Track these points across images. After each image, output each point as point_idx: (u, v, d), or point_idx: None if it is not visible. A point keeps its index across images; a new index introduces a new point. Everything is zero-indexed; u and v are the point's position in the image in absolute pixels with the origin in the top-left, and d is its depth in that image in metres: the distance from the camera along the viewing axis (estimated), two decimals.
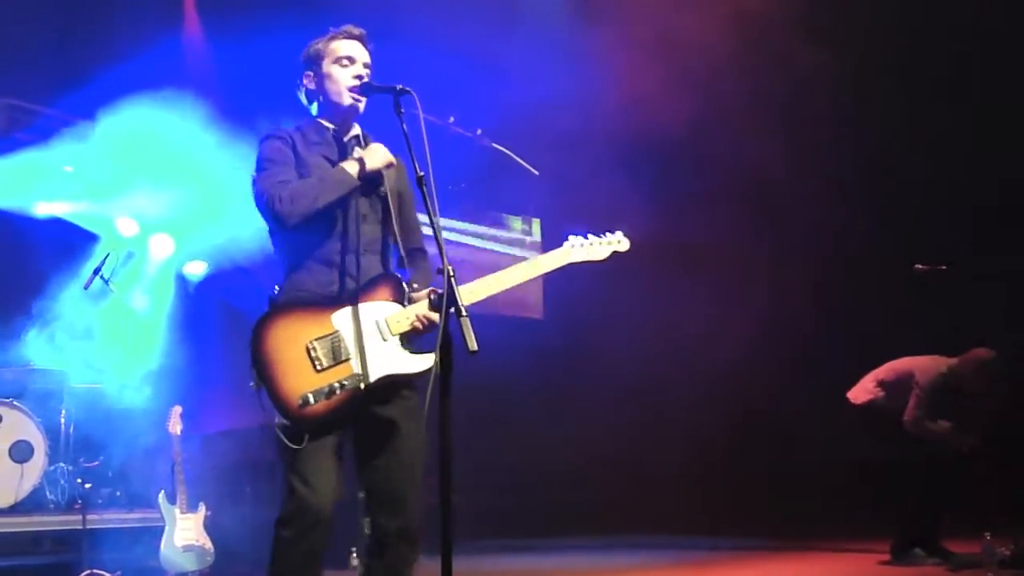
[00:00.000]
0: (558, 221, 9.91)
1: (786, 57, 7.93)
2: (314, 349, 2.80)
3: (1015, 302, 7.90)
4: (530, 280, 3.03)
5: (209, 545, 5.53)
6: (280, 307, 2.89)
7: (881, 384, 6.07)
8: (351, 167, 2.92)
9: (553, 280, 9.94)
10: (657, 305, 9.12)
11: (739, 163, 8.70)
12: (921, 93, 8.29)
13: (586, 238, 3.17)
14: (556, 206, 9.42)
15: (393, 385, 2.89)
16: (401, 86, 2.84)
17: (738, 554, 7.03)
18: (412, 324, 2.88)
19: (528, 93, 7.92)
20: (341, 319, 2.85)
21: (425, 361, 2.87)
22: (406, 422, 2.92)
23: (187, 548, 5.45)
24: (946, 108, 8.22)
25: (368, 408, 2.87)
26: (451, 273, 2.61)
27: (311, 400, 2.74)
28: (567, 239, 3.16)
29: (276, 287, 2.95)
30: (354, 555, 5.99)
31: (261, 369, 2.77)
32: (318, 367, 2.78)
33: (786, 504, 8.54)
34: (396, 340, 2.87)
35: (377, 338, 2.85)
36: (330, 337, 2.82)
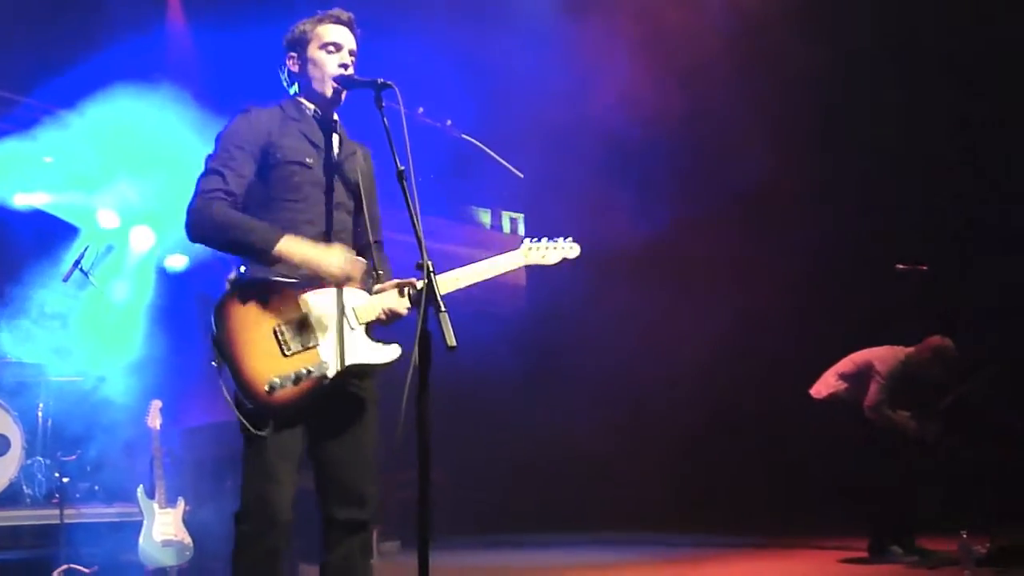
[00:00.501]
0: (538, 216, 9.90)
1: (774, 56, 7.96)
2: (282, 333, 2.73)
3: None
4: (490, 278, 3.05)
5: (188, 540, 5.49)
6: (247, 286, 2.78)
7: (842, 377, 6.16)
8: (291, 247, 2.74)
9: (536, 274, 10.04)
10: (639, 302, 9.15)
11: (727, 164, 8.73)
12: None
13: (539, 241, 3.20)
14: (536, 201, 9.43)
15: (356, 375, 2.85)
16: (383, 80, 2.79)
17: (721, 551, 7.06)
18: (378, 315, 2.84)
19: (513, 87, 7.94)
20: (311, 302, 2.79)
21: (390, 352, 2.85)
22: (365, 414, 2.88)
23: (166, 543, 5.41)
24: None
25: (327, 398, 2.80)
26: (431, 268, 2.60)
27: (278, 385, 2.67)
28: (523, 241, 3.18)
29: (240, 267, 2.86)
30: None
31: (224, 348, 2.69)
32: (286, 351, 2.72)
33: (769, 502, 8.59)
34: (362, 329, 2.84)
35: (345, 325, 2.81)
36: (298, 321, 2.75)
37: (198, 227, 2.78)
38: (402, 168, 2.67)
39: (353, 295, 2.85)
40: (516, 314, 9.90)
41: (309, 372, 2.71)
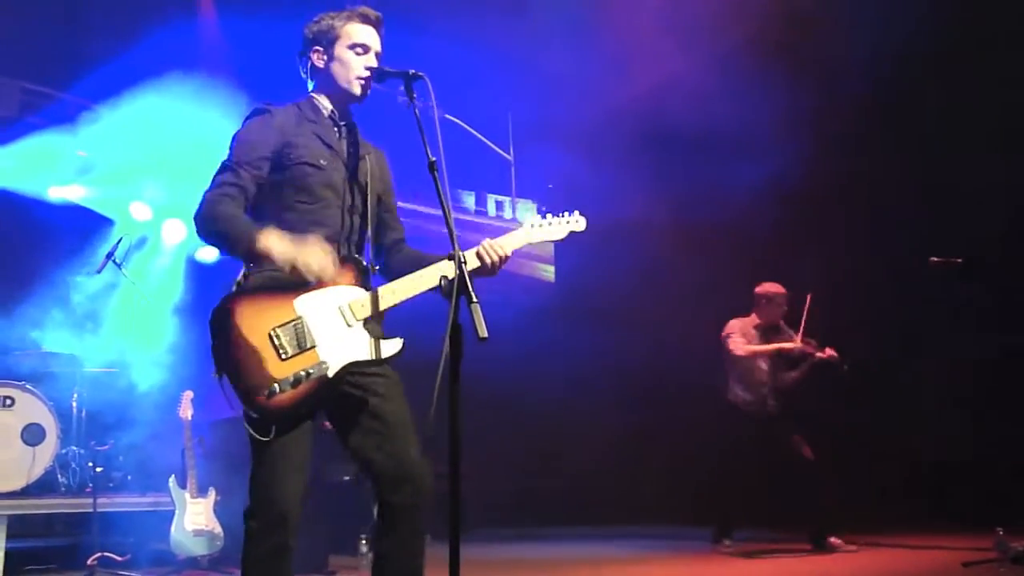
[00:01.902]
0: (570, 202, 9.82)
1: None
2: (277, 337, 2.70)
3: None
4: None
5: (219, 530, 5.55)
6: (241, 293, 2.78)
7: (734, 378, 6.71)
8: (270, 244, 2.67)
9: (565, 270, 10.02)
10: (669, 294, 9.10)
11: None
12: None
13: (544, 218, 3.12)
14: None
15: (365, 370, 2.81)
16: (414, 71, 2.79)
17: (743, 546, 6.99)
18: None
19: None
20: (303, 305, 2.76)
21: (392, 346, 2.81)
22: (388, 392, 2.84)
23: (197, 532, 5.47)
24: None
25: (344, 389, 2.79)
26: (463, 259, 2.58)
27: (277, 390, 2.65)
28: (526, 219, 3.12)
29: (244, 271, 2.84)
30: (364, 541, 6.01)
31: (222, 357, 2.68)
32: (283, 356, 2.69)
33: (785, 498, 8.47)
34: (361, 325, 2.80)
35: (341, 323, 2.78)
36: (293, 324, 2.72)
37: (198, 220, 2.79)
38: (433, 159, 2.65)
39: (348, 292, 2.82)
40: (543, 307, 9.88)
41: (308, 374, 2.69)
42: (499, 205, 10.00)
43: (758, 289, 6.76)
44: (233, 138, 2.90)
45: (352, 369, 2.77)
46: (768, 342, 6.66)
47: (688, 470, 8.62)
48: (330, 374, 2.72)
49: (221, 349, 2.68)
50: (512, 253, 2.95)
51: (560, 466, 9.05)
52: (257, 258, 2.72)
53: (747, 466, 6.66)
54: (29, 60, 7.06)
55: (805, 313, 6.59)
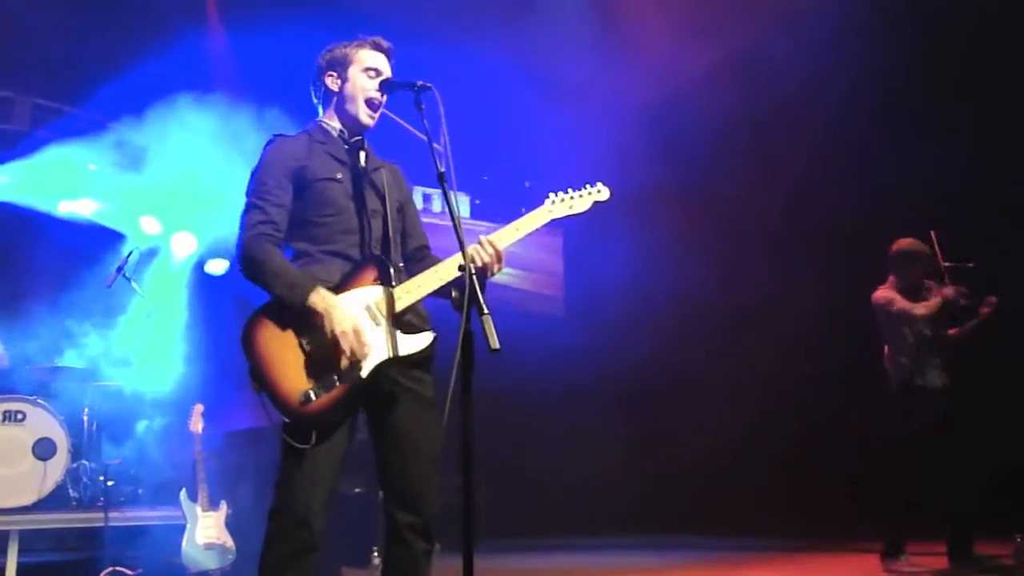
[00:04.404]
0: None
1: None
2: (307, 345, 2.77)
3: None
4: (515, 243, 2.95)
5: (231, 543, 5.53)
6: (266, 309, 2.83)
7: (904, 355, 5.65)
8: (315, 299, 2.76)
9: (574, 279, 10.02)
10: (672, 304, 9.10)
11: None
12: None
13: (566, 192, 3.09)
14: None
15: (404, 367, 2.86)
16: (422, 82, 2.83)
17: (765, 554, 6.95)
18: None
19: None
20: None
21: (423, 339, 2.85)
22: (420, 416, 2.89)
23: (209, 546, 5.46)
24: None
25: (382, 390, 2.84)
26: (472, 270, 2.58)
27: (312, 396, 2.71)
28: (548, 197, 3.08)
29: None
30: (376, 553, 5.99)
31: (258, 372, 2.75)
32: (313, 362, 2.75)
33: (805, 503, 8.43)
34: (388, 322, 2.83)
35: (370, 323, 2.82)
36: (321, 331, 2.76)
37: (243, 266, 2.87)
38: (442, 170, 2.69)
39: (370, 292, 2.86)
40: (553, 319, 9.88)
41: (341, 377, 2.74)
42: (427, 198, 9.69)
43: (895, 248, 5.76)
44: (252, 174, 2.99)
45: (387, 369, 2.82)
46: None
47: (700, 477, 8.62)
48: (363, 375, 2.77)
49: (256, 365, 2.75)
50: (507, 247, 2.91)
51: (573, 474, 9.02)
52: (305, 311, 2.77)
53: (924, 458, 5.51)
54: (39, 75, 7.10)
55: (939, 255, 5.71)
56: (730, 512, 8.59)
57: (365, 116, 3.05)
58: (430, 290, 2.88)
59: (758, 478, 8.70)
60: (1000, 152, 7.74)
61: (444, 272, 2.88)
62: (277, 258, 2.85)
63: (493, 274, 2.88)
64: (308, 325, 2.77)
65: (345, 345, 2.73)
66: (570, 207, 3.06)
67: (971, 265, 5.76)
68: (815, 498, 8.38)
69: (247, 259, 2.85)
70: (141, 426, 6.49)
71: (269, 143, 3.03)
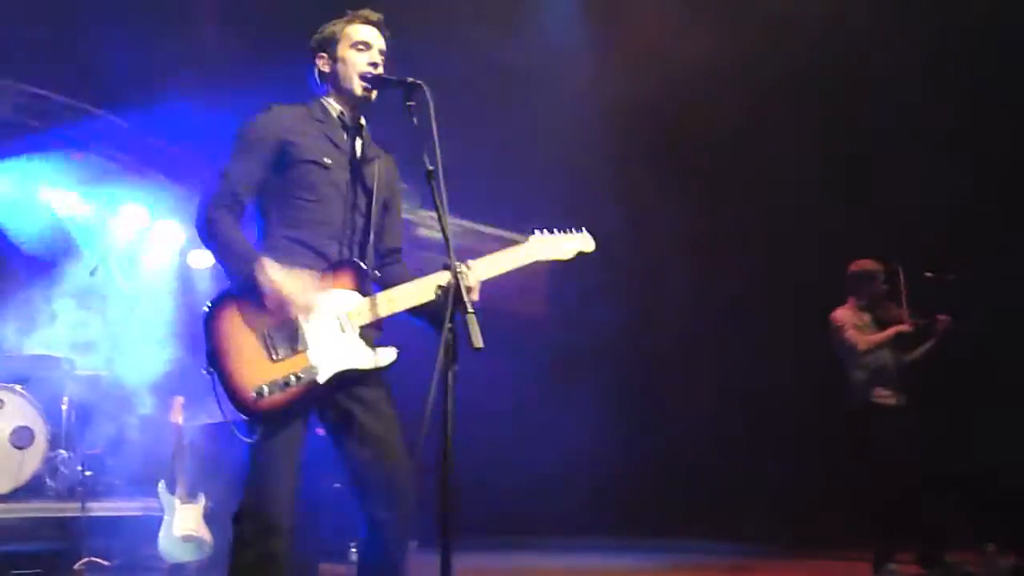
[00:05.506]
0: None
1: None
2: (271, 338, 2.70)
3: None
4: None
5: (208, 536, 5.51)
6: (235, 293, 2.74)
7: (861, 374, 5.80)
8: (263, 272, 2.66)
9: (558, 279, 10.02)
10: (661, 304, 9.11)
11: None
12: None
13: (552, 233, 3.05)
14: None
15: (356, 379, 2.80)
16: (412, 79, 2.79)
17: (752, 560, 6.98)
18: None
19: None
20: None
21: (386, 355, 2.80)
22: (379, 407, 2.83)
23: (186, 538, 5.43)
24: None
25: (337, 398, 2.79)
26: (458, 269, 2.58)
27: (265, 392, 2.65)
28: (532, 234, 3.04)
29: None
30: (353, 549, 5.99)
31: (214, 354, 2.68)
32: (274, 357, 2.69)
33: (807, 508, 8.44)
34: (355, 333, 2.78)
35: (337, 329, 2.77)
36: (287, 325, 2.72)
37: (197, 231, 2.82)
38: (431, 168, 2.65)
39: (346, 297, 2.81)
40: (536, 317, 9.87)
41: (298, 378, 2.68)
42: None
43: (852, 268, 5.97)
44: (234, 137, 2.90)
45: (345, 377, 2.76)
46: (877, 320, 5.89)
47: (685, 479, 8.63)
48: (320, 380, 2.71)
49: (214, 345, 2.68)
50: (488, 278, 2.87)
51: (548, 476, 9.03)
52: (252, 285, 2.70)
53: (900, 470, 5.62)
54: (25, 62, 7.03)
55: (903, 288, 5.87)
56: (714, 517, 8.61)
57: (360, 89, 2.95)
58: (403, 308, 2.82)
59: (744, 482, 8.74)
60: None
61: (421, 292, 2.82)
62: (233, 229, 2.78)
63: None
64: (277, 316, 2.70)
65: (292, 311, 2.66)
66: (554, 251, 3.04)
67: (951, 278, 5.83)
68: (805, 505, 8.41)
69: (203, 222, 2.77)
70: (120, 417, 6.45)
71: (262, 110, 2.94)
